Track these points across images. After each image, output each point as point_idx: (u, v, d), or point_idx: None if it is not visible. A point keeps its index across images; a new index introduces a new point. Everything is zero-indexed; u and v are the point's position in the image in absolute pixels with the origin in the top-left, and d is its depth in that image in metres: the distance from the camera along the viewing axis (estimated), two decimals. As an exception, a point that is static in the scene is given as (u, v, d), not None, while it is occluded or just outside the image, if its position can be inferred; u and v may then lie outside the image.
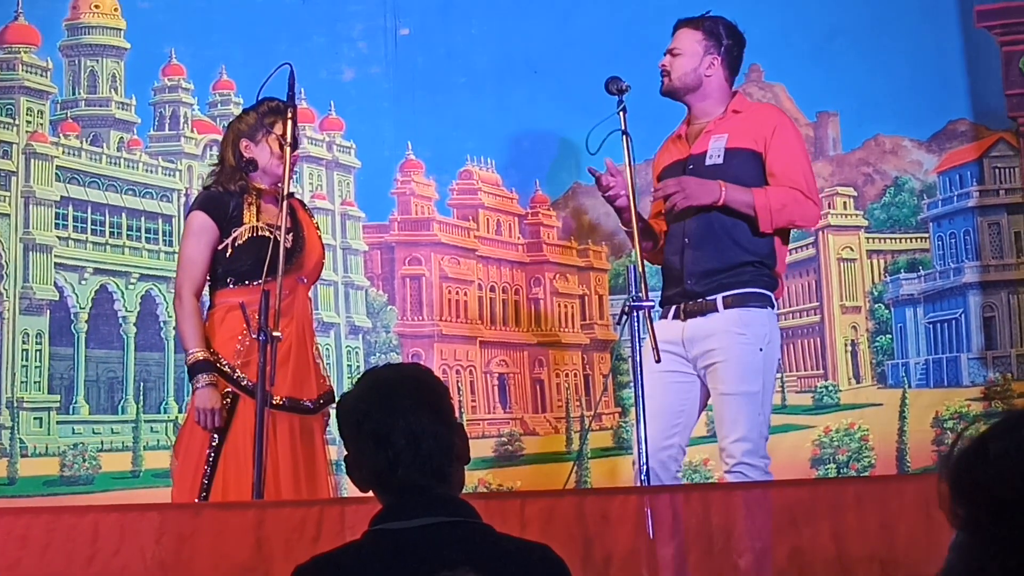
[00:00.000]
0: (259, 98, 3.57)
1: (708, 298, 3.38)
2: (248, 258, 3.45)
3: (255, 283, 3.39)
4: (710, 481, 4.53)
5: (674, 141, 3.59)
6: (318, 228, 3.76)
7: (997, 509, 0.84)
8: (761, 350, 3.37)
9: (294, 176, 3.76)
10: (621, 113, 3.44)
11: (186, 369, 3.51)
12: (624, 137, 3.42)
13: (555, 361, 5.12)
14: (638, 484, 3.16)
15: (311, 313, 3.71)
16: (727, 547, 2.50)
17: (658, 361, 3.24)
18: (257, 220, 3.52)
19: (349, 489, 3.18)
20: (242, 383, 3.40)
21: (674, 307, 3.46)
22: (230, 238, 3.51)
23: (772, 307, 3.45)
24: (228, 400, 3.42)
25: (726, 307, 3.39)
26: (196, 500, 3.33)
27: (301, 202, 3.83)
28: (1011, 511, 0.84)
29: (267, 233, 3.46)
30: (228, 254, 3.50)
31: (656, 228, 3.67)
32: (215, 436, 3.39)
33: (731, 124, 3.52)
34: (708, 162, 3.48)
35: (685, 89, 3.55)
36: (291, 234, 3.50)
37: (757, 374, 3.35)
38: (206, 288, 3.63)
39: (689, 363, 3.42)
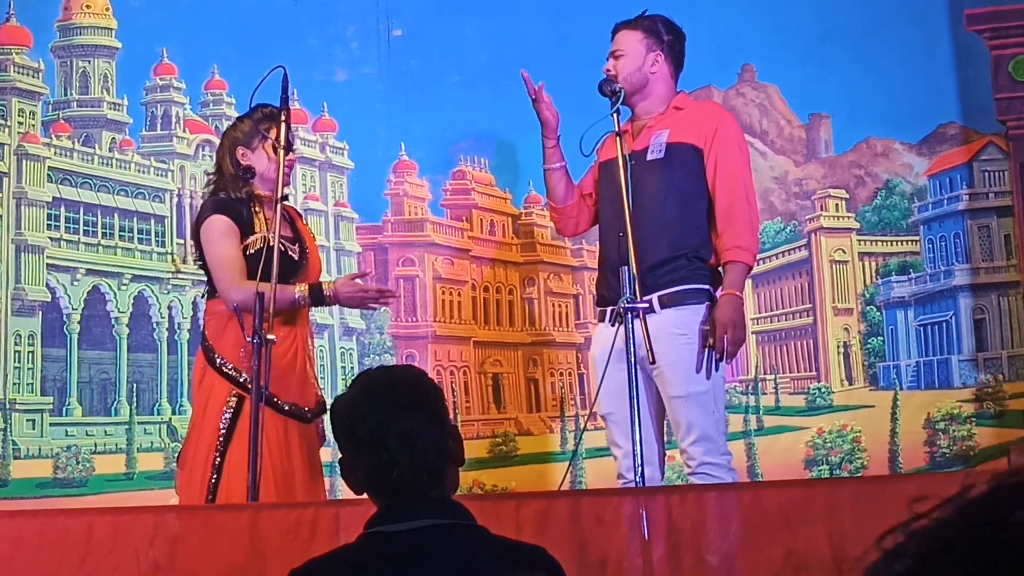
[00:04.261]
0: (253, 103, 3.56)
1: (644, 298, 3.27)
2: (254, 269, 3.35)
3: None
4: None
5: (616, 137, 3.48)
6: (314, 237, 3.77)
7: None
8: (705, 347, 3.32)
9: (288, 178, 3.75)
10: (615, 115, 3.44)
11: (310, 302, 3.46)
12: (618, 138, 3.42)
13: (549, 361, 5.12)
14: (632, 483, 3.16)
15: (310, 323, 3.71)
16: (722, 549, 2.50)
17: (652, 362, 3.23)
18: (267, 230, 3.51)
19: (343, 492, 3.18)
20: (248, 386, 3.37)
21: (611, 310, 3.37)
22: (242, 245, 3.49)
23: (711, 300, 3.38)
24: (234, 402, 3.40)
25: (662, 307, 3.34)
26: (204, 503, 3.31)
27: (298, 212, 3.83)
28: None
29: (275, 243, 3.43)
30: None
31: (576, 193, 3.65)
32: (221, 440, 3.37)
33: (673, 120, 3.50)
34: (649, 157, 3.45)
35: (632, 89, 3.51)
36: (297, 244, 3.53)
37: (704, 373, 3.32)
38: (204, 297, 3.63)
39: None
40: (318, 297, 3.49)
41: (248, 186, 3.54)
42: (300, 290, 3.46)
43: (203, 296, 3.68)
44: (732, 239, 3.39)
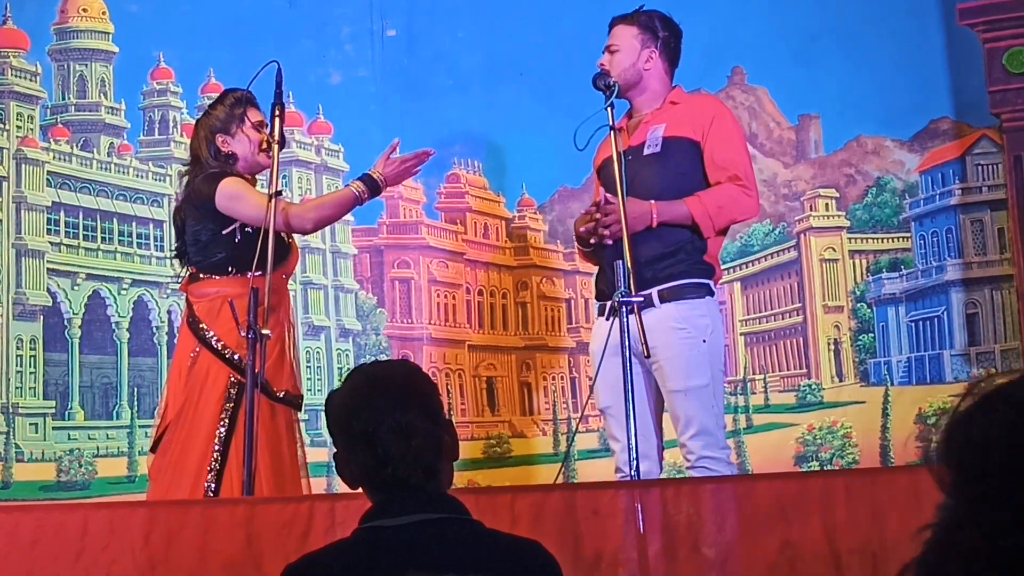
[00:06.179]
0: (224, 90, 3.58)
1: (642, 292, 3.25)
2: (254, 248, 3.31)
3: (257, 275, 3.27)
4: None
5: (614, 134, 3.42)
6: None
7: (979, 474, 0.92)
8: (704, 341, 3.32)
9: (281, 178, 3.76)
10: (609, 109, 3.43)
11: (368, 194, 3.50)
12: (612, 133, 3.42)
13: (542, 364, 5.14)
14: (627, 477, 3.18)
15: (291, 313, 3.71)
16: (718, 541, 2.51)
17: (647, 356, 3.24)
18: None
19: (339, 487, 3.19)
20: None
21: (608, 304, 3.35)
22: (237, 223, 3.48)
23: (711, 294, 3.39)
24: (234, 392, 3.39)
25: (662, 301, 3.33)
26: (207, 493, 3.29)
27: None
28: (990, 477, 0.91)
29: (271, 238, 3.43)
30: (237, 239, 3.46)
31: None
32: (223, 431, 3.37)
33: (669, 114, 3.50)
34: (646, 152, 3.45)
35: (626, 85, 3.49)
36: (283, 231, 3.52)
37: (703, 367, 3.31)
38: (186, 280, 3.58)
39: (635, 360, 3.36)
40: (374, 186, 3.51)
41: (233, 170, 3.54)
42: (357, 187, 3.51)
43: (183, 277, 3.61)
44: (702, 193, 3.37)
